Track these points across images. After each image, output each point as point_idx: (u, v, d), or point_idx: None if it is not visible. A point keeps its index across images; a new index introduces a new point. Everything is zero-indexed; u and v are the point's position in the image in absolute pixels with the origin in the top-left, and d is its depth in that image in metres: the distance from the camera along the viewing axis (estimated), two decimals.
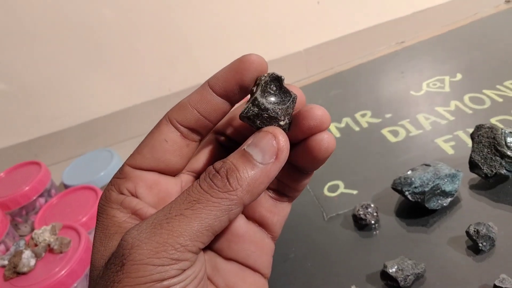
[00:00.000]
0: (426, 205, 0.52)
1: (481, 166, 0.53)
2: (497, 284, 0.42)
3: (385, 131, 0.70)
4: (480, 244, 0.47)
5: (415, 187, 0.52)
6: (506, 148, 0.52)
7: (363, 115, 0.75)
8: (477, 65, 0.79)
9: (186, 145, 0.24)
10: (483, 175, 0.54)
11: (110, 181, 0.24)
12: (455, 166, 0.55)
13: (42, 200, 1.10)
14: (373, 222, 0.54)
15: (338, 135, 0.73)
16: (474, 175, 0.56)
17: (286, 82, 0.24)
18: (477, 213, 0.52)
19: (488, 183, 0.55)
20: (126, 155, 0.25)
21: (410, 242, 0.51)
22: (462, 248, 0.49)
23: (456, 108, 0.70)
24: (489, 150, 0.53)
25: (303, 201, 0.51)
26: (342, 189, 0.62)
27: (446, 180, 0.53)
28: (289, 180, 0.26)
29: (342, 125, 0.75)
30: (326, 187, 0.63)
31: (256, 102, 0.22)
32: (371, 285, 0.48)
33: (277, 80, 0.23)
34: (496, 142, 0.53)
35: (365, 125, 0.73)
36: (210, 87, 0.24)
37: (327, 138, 0.24)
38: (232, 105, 0.25)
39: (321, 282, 0.50)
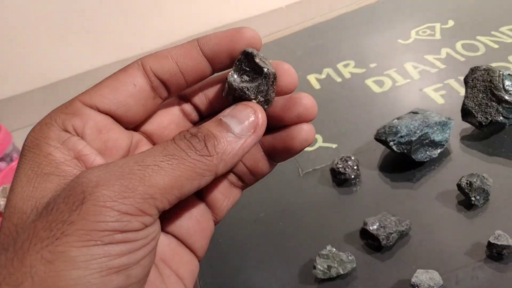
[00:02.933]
0: (413, 157, 0.46)
1: (475, 114, 0.47)
2: (492, 241, 0.36)
3: (369, 82, 0.63)
4: (473, 198, 0.41)
5: (401, 137, 0.46)
6: (504, 92, 0.46)
7: (346, 65, 0.68)
8: (470, 11, 0.72)
9: (152, 97, 0.23)
10: (477, 124, 0.48)
11: (50, 114, 0.21)
12: (447, 116, 0.49)
13: (3, 164, 1.04)
14: (353, 176, 0.48)
15: (318, 86, 0.66)
16: (466, 125, 0.50)
17: (271, 59, 0.23)
18: (469, 166, 0.46)
19: (482, 133, 0.49)
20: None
21: (394, 198, 0.46)
22: (453, 204, 0.43)
23: (448, 55, 0.63)
24: (484, 95, 0.47)
25: None
26: (320, 142, 0.55)
27: (435, 128, 0.46)
28: (253, 165, 0.25)
29: (323, 76, 0.68)
30: None
31: (227, 81, 0.22)
32: (349, 245, 0.42)
33: (249, 56, 0.22)
34: (493, 86, 0.46)
35: (347, 75, 0.66)
36: (199, 45, 0.23)
37: (307, 130, 0.23)
38: (213, 72, 0.24)
39: (294, 243, 0.44)
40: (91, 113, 0.21)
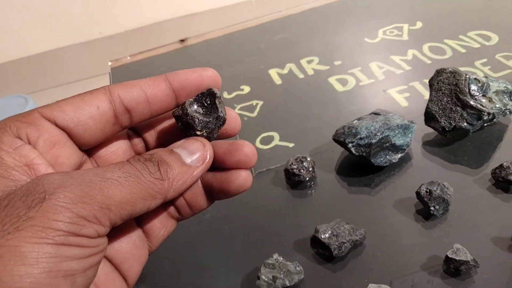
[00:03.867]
0: (372, 161, 0.43)
1: (439, 118, 0.45)
2: (450, 255, 0.34)
3: (332, 79, 0.60)
4: (432, 208, 0.38)
5: (361, 138, 0.43)
6: (469, 96, 0.43)
7: (310, 62, 0.65)
8: (439, 14, 0.70)
9: (113, 123, 0.23)
10: (440, 129, 0.45)
11: (5, 120, 0.21)
12: (409, 119, 0.46)
13: None
14: (308, 178, 0.45)
15: (279, 81, 0.62)
16: (429, 130, 0.48)
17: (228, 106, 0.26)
18: (430, 173, 0.43)
19: (445, 139, 0.47)
20: (49, 101, 0.22)
21: (350, 204, 0.42)
22: (411, 213, 0.40)
23: (414, 57, 0.61)
24: (449, 99, 0.45)
25: None
26: (276, 141, 0.52)
27: (397, 131, 0.44)
28: (192, 199, 0.26)
29: (285, 71, 0.64)
30: (259, 138, 0.53)
31: (183, 105, 0.24)
32: (299, 254, 0.39)
33: (212, 95, 0.24)
34: (458, 90, 0.44)
35: (310, 72, 0.63)
36: (168, 78, 0.24)
37: (244, 177, 0.25)
38: (176, 106, 0.25)
39: (239, 249, 0.40)
40: (48, 126, 0.22)
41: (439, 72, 0.46)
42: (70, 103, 0.22)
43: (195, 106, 0.25)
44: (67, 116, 0.22)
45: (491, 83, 0.45)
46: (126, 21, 1.15)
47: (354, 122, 0.45)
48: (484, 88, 0.44)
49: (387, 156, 0.44)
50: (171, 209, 0.26)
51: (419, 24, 0.69)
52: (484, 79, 0.45)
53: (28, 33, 1.21)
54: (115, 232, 0.23)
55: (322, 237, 0.37)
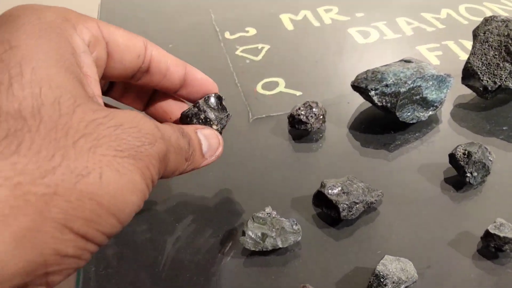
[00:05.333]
0: (397, 114, 0.35)
1: (481, 75, 0.37)
2: (492, 230, 0.26)
3: (352, 30, 0.52)
4: (469, 174, 0.31)
5: (386, 86, 0.35)
6: None
7: (328, 11, 0.57)
8: None
9: (138, 72, 0.27)
10: (480, 89, 0.37)
11: (70, 20, 0.22)
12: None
13: None
14: (316, 129, 0.37)
15: (290, 27, 0.54)
16: (465, 91, 0.40)
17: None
18: (462, 140, 0.36)
19: (484, 103, 0.39)
20: None
21: (364, 164, 0.35)
22: (438, 180, 0.33)
23: (448, 16, 0.53)
24: (497, 53, 0.37)
25: (226, 96, 0.33)
26: (281, 87, 0.44)
27: (430, 83, 0.36)
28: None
29: (299, 17, 0.56)
30: (261, 83, 0.45)
31: (197, 105, 0.28)
32: (297, 213, 0.31)
33: (219, 98, 0.29)
34: (510, 41, 0.36)
35: (328, 21, 0.55)
36: (186, 67, 0.28)
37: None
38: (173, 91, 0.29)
39: (224, 201, 0.33)
40: (102, 44, 0.24)
41: (487, 21, 0.38)
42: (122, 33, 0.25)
43: (206, 107, 0.28)
44: (118, 47, 0.24)
45: None
46: None
47: (380, 67, 0.37)
48: None
49: (415, 112, 0.36)
50: None
51: None
52: None
53: None
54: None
55: (330, 192, 0.29)
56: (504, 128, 0.37)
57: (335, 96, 0.42)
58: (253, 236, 0.27)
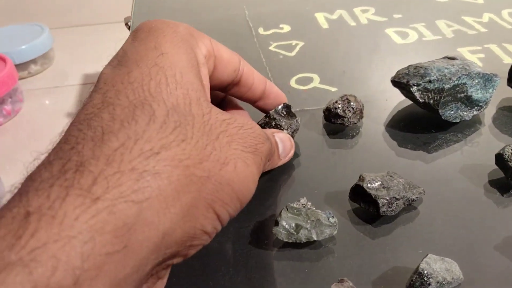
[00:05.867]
0: (440, 112, 0.34)
1: None
2: None
3: (390, 31, 0.51)
4: None
5: (430, 81, 0.33)
6: None
7: (364, 11, 0.56)
8: None
9: (231, 85, 0.30)
10: None
11: (195, 37, 0.25)
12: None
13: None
14: (352, 124, 0.36)
15: (325, 26, 0.53)
16: (510, 93, 0.38)
17: None
18: (507, 142, 0.34)
19: None
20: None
21: (403, 162, 0.33)
22: (483, 181, 0.31)
23: (491, 20, 0.51)
24: None
25: None
26: (316, 83, 0.43)
27: (476, 81, 0.34)
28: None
29: (334, 16, 0.55)
30: (295, 78, 0.43)
31: (268, 115, 0.32)
32: (331, 208, 0.29)
33: (289, 107, 0.33)
34: None
35: (364, 21, 0.53)
36: (267, 83, 0.32)
37: None
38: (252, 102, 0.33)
39: (258, 196, 0.31)
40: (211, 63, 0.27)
41: None
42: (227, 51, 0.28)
43: (277, 115, 0.32)
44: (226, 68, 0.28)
45: None
46: None
47: (423, 63, 0.35)
48: None
49: (459, 111, 0.35)
50: None
51: None
52: None
53: None
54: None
55: (369, 186, 0.27)
56: None
57: (372, 92, 0.40)
58: (286, 226, 0.26)
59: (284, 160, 0.30)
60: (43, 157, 0.18)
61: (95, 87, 0.21)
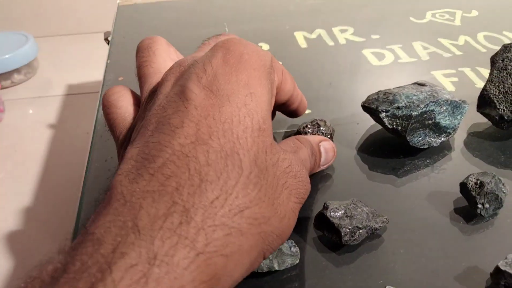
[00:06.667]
0: (408, 139, 0.34)
1: (497, 104, 0.36)
2: (503, 267, 0.24)
3: (367, 52, 0.51)
4: (480, 206, 0.29)
5: (398, 108, 0.34)
6: None
7: (343, 31, 0.56)
8: (499, 6, 0.61)
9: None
10: (496, 118, 0.36)
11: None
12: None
13: None
14: None
15: (304, 45, 0.53)
16: (480, 119, 0.38)
17: None
18: (474, 170, 0.34)
19: (499, 133, 0.38)
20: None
21: (371, 189, 0.33)
22: (448, 210, 0.31)
23: (466, 43, 0.52)
24: None
25: None
26: None
27: (444, 108, 0.34)
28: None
29: (313, 36, 0.55)
30: None
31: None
32: (296, 235, 0.30)
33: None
34: None
35: (342, 41, 0.54)
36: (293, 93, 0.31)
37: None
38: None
39: None
40: None
41: (507, 47, 0.37)
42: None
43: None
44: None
45: None
46: None
47: (392, 89, 0.36)
48: None
49: (427, 137, 0.35)
50: None
51: (474, 13, 0.59)
52: None
53: None
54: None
55: (332, 215, 0.28)
56: None
57: (345, 116, 0.41)
58: None
59: (322, 167, 0.32)
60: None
61: (182, 102, 0.21)
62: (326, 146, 0.31)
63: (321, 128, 0.35)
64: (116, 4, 0.66)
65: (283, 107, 0.31)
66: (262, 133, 0.21)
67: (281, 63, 0.49)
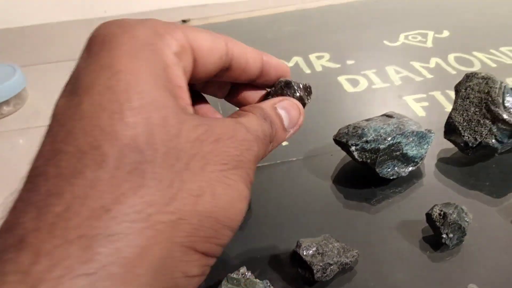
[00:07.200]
0: (377, 170, 0.36)
1: (462, 131, 0.37)
2: None
3: (342, 79, 0.53)
4: (444, 236, 0.31)
5: (367, 142, 0.35)
6: (502, 108, 0.36)
7: (319, 57, 0.58)
8: (469, 26, 0.64)
9: (223, 61, 0.25)
10: (461, 144, 0.38)
11: (161, 36, 0.21)
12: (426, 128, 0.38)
13: None
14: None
15: None
16: (448, 145, 0.40)
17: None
18: (443, 196, 0.36)
19: (466, 158, 0.39)
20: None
21: (345, 219, 0.35)
22: (416, 239, 0.33)
23: (437, 65, 0.54)
24: (477, 109, 0.37)
25: None
26: None
27: (411, 139, 0.36)
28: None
29: (291, 64, 0.57)
30: None
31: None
32: (274, 272, 0.31)
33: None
34: (490, 99, 0.37)
35: (319, 68, 0.56)
36: (263, 55, 0.27)
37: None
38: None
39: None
40: (189, 51, 0.22)
41: (468, 77, 0.39)
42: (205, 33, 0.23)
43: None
44: (203, 45, 0.23)
45: None
46: (133, 2, 1.09)
47: (361, 122, 0.38)
48: None
49: (396, 168, 0.37)
50: None
51: (445, 33, 0.62)
52: None
53: (30, 2, 1.15)
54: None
55: (304, 253, 0.29)
56: (486, 183, 0.37)
57: (319, 147, 0.42)
58: None
59: (293, 131, 0.26)
60: None
61: (48, 127, 0.18)
62: (284, 105, 0.26)
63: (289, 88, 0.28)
64: None
65: (235, 77, 0.26)
66: (142, 109, 0.18)
67: None
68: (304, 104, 0.27)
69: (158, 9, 1.15)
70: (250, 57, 0.26)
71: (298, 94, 0.27)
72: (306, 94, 0.28)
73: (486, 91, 0.37)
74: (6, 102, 1.11)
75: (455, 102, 0.39)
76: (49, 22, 1.14)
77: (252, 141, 0.21)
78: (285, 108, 0.25)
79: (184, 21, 0.68)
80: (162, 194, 0.17)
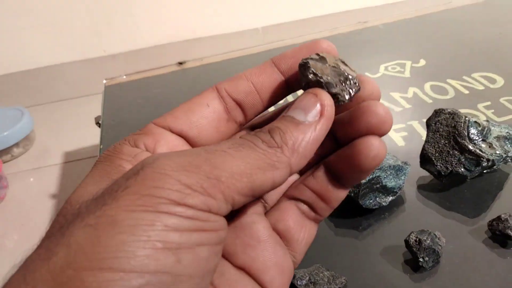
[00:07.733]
0: (360, 202, 0.40)
1: (435, 161, 0.42)
2: None
3: None
4: (421, 259, 0.35)
5: None
6: (468, 140, 0.41)
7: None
8: (444, 53, 0.69)
9: (226, 120, 0.22)
10: (435, 173, 0.42)
11: (124, 138, 0.21)
12: (404, 160, 0.43)
13: None
14: None
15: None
16: (425, 173, 0.45)
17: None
18: (422, 220, 0.40)
19: (441, 184, 0.44)
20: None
21: (335, 247, 0.39)
22: (398, 262, 0.37)
23: (415, 95, 0.59)
24: (446, 142, 0.42)
25: None
26: None
27: (389, 172, 0.41)
28: (322, 190, 0.22)
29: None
30: None
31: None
32: None
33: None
34: (456, 133, 0.41)
35: None
36: (274, 62, 0.22)
37: (378, 145, 0.20)
38: (289, 92, 0.23)
39: None
40: (163, 133, 0.21)
41: (437, 112, 0.44)
42: (181, 108, 0.22)
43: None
44: (180, 120, 0.21)
45: (492, 128, 0.42)
46: (130, 41, 1.15)
47: None
48: (484, 133, 0.42)
49: (377, 199, 0.41)
50: (303, 207, 0.22)
51: (422, 62, 0.67)
52: (485, 123, 0.42)
53: (31, 46, 1.21)
54: (247, 237, 0.21)
55: (299, 283, 0.33)
56: (461, 206, 0.42)
57: None
58: None
59: (323, 120, 0.20)
60: None
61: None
62: (294, 104, 0.20)
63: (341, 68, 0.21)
64: (103, 83, 0.73)
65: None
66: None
67: None
68: (335, 97, 0.20)
69: (154, 45, 1.21)
70: (253, 76, 0.22)
71: (312, 78, 0.20)
72: (343, 84, 0.21)
73: (453, 125, 0.42)
74: (16, 144, 1.17)
75: (427, 135, 0.44)
76: (51, 64, 1.19)
77: (155, 160, 0.18)
78: (291, 108, 0.20)
79: (180, 63, 0.74)
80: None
